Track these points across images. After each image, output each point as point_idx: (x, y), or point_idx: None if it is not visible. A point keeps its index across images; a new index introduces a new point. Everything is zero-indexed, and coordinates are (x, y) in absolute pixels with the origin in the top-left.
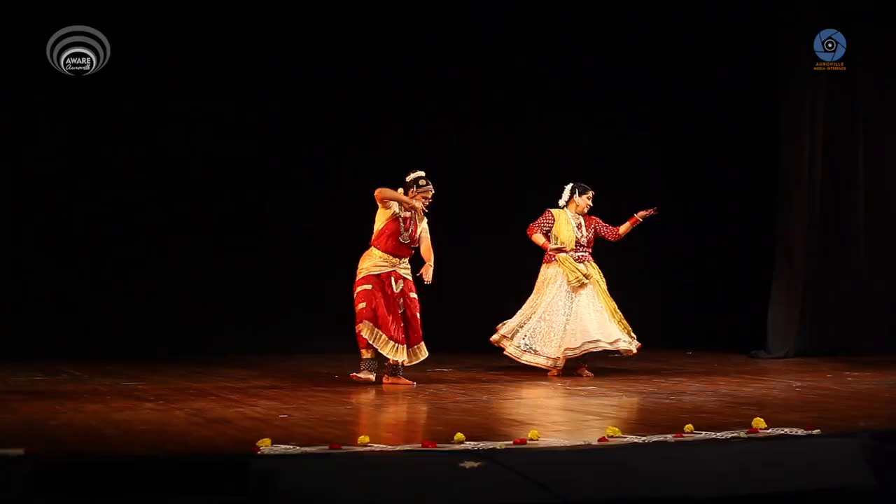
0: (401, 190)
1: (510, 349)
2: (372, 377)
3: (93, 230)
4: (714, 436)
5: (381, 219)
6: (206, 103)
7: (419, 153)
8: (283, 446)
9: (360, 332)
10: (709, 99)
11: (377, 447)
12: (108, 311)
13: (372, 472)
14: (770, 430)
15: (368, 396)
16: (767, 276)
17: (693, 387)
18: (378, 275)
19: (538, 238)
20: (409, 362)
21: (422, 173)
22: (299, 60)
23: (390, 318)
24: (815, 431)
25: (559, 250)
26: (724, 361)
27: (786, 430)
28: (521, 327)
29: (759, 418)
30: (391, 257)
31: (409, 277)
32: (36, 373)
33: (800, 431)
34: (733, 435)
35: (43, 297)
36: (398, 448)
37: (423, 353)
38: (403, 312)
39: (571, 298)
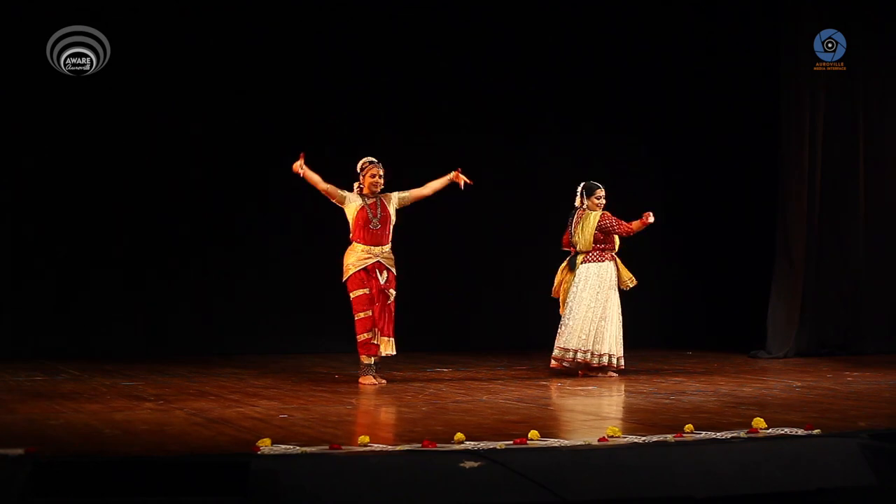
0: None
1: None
2: (384, 381)
3: (92, 230)
4: (714, 436)
5: (349, 214)
6: (206, 103)
7: (421, 158)
8: (283, 446)
9: (367, 340)
10: (709, 99)
11: (377, 447)
12: (108, 310)
13: (372, 472)
14: (770, 430)
15: (368, 396)
16: (767, 276)
17: (693, 387)
18: (366, 269)
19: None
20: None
21: (367, 158)
22: (303, 62)
23: (383, 316)
24: (815, 431)
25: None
26: (724, 361)
27: (786, 430)
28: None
29: (759, 418)
30: (372, 248)
31: (392, 269)
32: (36, 373)
33: (800, 431)
34: (733, 435)
35: (43, 297)
36: (398, 448)
37: (392, 347)
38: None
39: (607, 298)
